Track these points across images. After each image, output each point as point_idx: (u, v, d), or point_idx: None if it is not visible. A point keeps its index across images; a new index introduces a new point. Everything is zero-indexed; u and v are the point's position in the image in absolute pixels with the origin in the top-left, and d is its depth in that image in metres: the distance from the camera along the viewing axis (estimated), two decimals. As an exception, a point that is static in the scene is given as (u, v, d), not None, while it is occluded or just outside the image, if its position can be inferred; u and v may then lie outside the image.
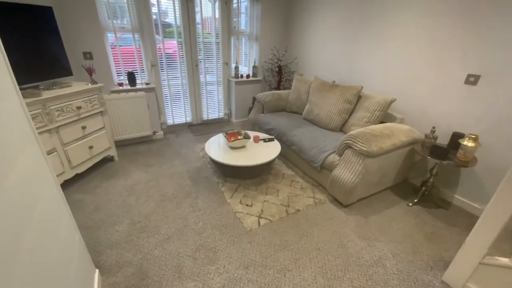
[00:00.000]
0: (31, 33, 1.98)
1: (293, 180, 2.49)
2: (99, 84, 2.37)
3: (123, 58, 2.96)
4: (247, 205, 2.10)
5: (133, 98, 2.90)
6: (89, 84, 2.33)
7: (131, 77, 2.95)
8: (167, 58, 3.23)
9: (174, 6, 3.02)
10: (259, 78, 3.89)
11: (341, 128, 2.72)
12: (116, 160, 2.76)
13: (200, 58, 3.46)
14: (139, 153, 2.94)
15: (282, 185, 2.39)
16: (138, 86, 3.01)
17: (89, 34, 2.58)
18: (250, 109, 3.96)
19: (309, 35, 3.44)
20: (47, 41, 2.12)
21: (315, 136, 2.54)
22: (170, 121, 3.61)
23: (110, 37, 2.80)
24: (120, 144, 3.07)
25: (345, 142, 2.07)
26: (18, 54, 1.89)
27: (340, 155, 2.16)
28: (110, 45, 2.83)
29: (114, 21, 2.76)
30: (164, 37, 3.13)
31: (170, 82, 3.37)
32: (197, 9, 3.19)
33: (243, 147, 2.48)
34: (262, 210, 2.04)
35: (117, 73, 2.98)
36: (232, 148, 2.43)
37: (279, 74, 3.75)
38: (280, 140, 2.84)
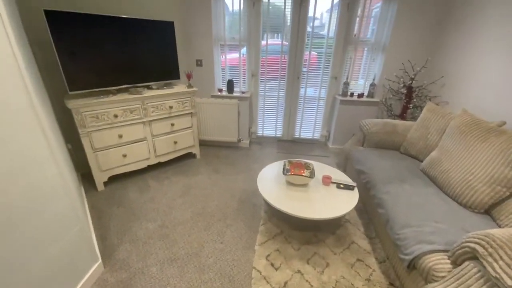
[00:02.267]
0: (153, 43, 2.43)
1: (361, 259, 1.64)
2: (193, 89, 2.61)
3: (229, 67, 3.14)
4: (272, 265, 1.57)
5: (225, 105, 3.02)
6: (186, 88, 2.61)
7: (230, 85, 3.07)
8: (268, 70, 3.11)
9: (284, 12, 2.82)
10: (375, 99, 2.96)
11: (488, 209, 1.48)
12: (197, 158, 2.99)
13: (304, 70, 3.08)
14: (217, 157, 3.04)
15: (339, 260, 1.62)
16: (234, 94, 3.10)
17: (202, 44, 2.91)
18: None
19: (469, 45, 2.16)
20: (164, 50, 2.55)
21: (422, 206, 1.53)
22: (260, 132, 3.51)
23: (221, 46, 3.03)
24: (207, 144, 3.32)
25: (471, 245, 1.05)
26: (139, 60, 2.38)
27: (455, 263, 1.13)
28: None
29: (226, 33, 2.95)
30: (268, 52, 3.02)
31: (266, 93, 3.25)
32: (310, 14, 2.82)
33: (304, 185, 1.91)
34: (286, 284, 1.44)
35: (222, 80, 3.21)
36: (290, 183, 1.93)
37: (407, 98, 2.67)
38: (367, 192, 1.98)
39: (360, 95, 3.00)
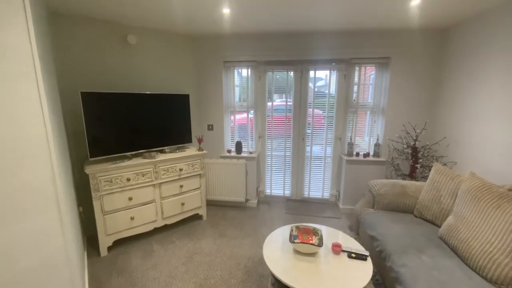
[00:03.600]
0: (170, 113, 2.72)
1: None
2: (203, 152, 2.76)
3: (238, 128, 3.37)
4: None
5: (234, 165, 3.12)
6: (197, 151, 2.77)
7: (238, 146, 3.24)
8: (274, 130, 3.31)
9: (287, 82, 3.15)
10: (382, 159, 2.98)
11: (522, 290, 1.31)
12: (204, 219, 2.94)
13: (308, 132, 3.24)
14: (224, 218, 2.98)
15: None
16: (243, 154, 3.24)
17: (213, 111, 3.21)
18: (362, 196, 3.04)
19: (468, 108, 2.27)
20: (180, 118, 2.82)
21: (446, 284, 1.37)
22: (268, 191, 3.49)
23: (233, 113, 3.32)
24: (215, 204, 3.30)
25: None
26: (156, 128, 2.62)
27: None
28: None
29: (235, 101, 3.27)
30: (274, 111, 3.27)
31: (273, 153, 3.36)
32: (310, 84, 3.13)
33: (313, 254, 1.79)
34: None
35: (231, 141, 3.40)
36: (298, 252, 1.82)
37: (413, 158, 2.68)
38: (381, 262, 1.83)
39: (366, 155, 3.04)
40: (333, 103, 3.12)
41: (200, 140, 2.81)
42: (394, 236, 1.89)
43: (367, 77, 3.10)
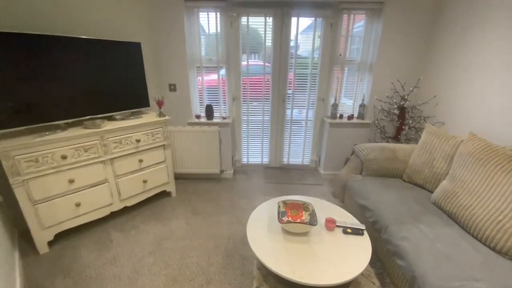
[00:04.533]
0: (116, 67, 2.06)
1: (385, 330, 1.29)
2: (165, 118, 2.24)
3: (207, 90, 2.83)
4: None
5: (205, 133, 2.67)
6: (157, 117, 2.23)
7: (209, 110, 2.75)
8: (250, 91, 2.85)
9: (265, 33, 2.62)
10: (367, 121, 2.78)
11: (532, 259, 1.23)
12: (173, 196, 2.55)
13: (289, 93, 2.85)
14: (197, 193, 2.62)
15: (359, 336, 1.25)
16: (214, 120, 2.77)
17: (175, 67, 2.59)
18: (346, 161, 2.89)
19: (465, 61, 2.06)
20: (131, 75, 2.18)
21: (452, 257, 1.24)
22: (245, 160, 3.16)
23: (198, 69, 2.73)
24: (185, 177, 2.90)
25: None
26: (99, 87, 1.99)
27: None
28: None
29: (202, 55, 2.67)
30: (250, 73, 2.77)
31: (250, 118, 2.95)
32: (293, 34, 2.64)
33: (305, 233, 1.56)
34: None
35: (200, 105, 2.87)
36: (287, 232, 1.57)
37: (400, 119, 2.50)
38: (377, 234, 1.69)
39: (350, 117, 2.81)
40: (318, 60, 2.72)
41: (160, 103, 2.25)
42: (388, 205, 1.73)
43: (352, 30, 2.70)
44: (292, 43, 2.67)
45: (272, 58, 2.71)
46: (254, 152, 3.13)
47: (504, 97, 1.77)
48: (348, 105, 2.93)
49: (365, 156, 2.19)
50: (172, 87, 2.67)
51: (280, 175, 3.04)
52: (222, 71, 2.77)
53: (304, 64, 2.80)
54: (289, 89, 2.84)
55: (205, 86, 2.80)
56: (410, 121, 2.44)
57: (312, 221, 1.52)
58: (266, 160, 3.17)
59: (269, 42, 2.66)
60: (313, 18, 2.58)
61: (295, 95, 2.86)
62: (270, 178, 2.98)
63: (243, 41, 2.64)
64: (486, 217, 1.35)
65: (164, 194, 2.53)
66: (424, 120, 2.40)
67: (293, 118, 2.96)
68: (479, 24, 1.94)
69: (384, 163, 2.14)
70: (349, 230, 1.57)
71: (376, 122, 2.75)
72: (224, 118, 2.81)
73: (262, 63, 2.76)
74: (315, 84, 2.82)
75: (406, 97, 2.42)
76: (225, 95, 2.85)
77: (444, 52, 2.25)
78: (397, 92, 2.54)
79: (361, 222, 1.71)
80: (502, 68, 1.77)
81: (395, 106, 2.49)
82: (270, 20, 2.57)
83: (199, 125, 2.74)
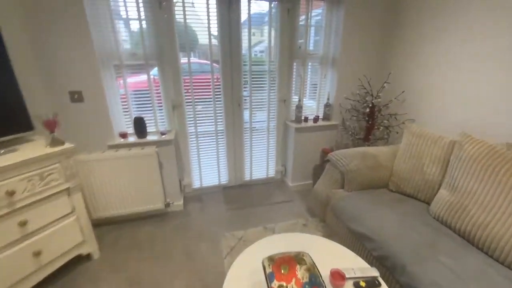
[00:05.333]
0: None
1: None
2: (62, 147, 1.41)
3: (134, 98, 2.04)
4: None
5: (137, 157, 1.90)
6: (48, 147, 1.38)
7: (139, 125, 1.98)
8: (196, 95, 2.19)
9: (208, 20, 2.00)
10: (333, 122, 2.48)
11: None
12: (95, 258, 1.71)
13: (245, 94, 2.31)
14: (135, 245, 1.85)
15: None
16: (149, 138, 2.02)
17: (78, 66, 1.73)
18: (315, 168, 2.55)
19: (438, 52, 1.90)
20: (-16, 80, 1.27)
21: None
22: (197, 183, 2.49)
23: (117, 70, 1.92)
24: (115, 221, 2.07)
25: None
26: None
27: None
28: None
29: (122, 48, 1.88)
30: (193, 72, 2.12)
31: (199, 129, 2.30)
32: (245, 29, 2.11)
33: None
34: None
35: (126, 118, 2.06)
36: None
37: (370, 118, 2.27)
38: (389, 274, 1.32)
39: (316, 119, 2.46)
40: (276, 54, 2.25)
41: (51, 124, 1.40)
42: (392, 231, 1.39)
43: (311, 18, 2.34)
44: (244, 33, 2.13)
45: (221, 52, 2.11)
46: (209, 172, 2.49)
47: (479, 89, 1.64)
48: (311, 106, 2.58)
49: (346, 166, 1.84)
50: (76, 96, 1.78)
51: (244, 196, 2.50)
52: (154, 70, 2.03)
53: (259, 60, 2.30)
54: (245, 90, 2.30)
55: (130, 91, 2.01)
56: (385, 120, 2.22)
57: (315, 280, 1.04)
58: (224, 179, 2.57)
59: (214, 31, 2.05)
60: (267, 2, 2.09)
61: (253, 97, 2.34)
62: (232, 202, 2.41)
63: (179, 29, 1.96)
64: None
65: (81, 259, 1.68)
66: (395, 118, 2.22)
67: (253, 126, 2.44)
68: (452, 10, 1.78)
69: (368, 172, 1.83)
70: (362, 284, 1.14)
71: (344, 123, 2.48)
72: (163, 133, 2.08)
73: (207, 62, 2.14)
74: (274, 83, 2.35)
75: (379, 93, 2.18)
76: (161, 103, 2.11)
77: (412, 42, 2.07)
78: (365, 88, 2.29)
79: (359, 253, 1.33)
80: (476, 58, 1.63)
81: (365, 105, 2.23)
82: (214, 4, 1.96)
83: (127, 147, 1.94)
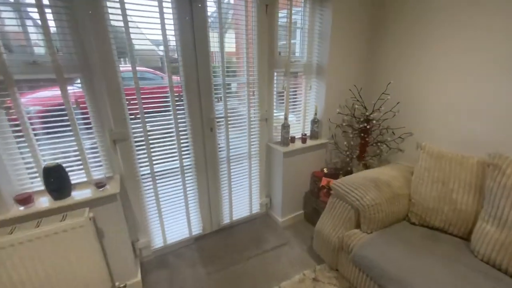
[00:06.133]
0: None
1: None
2: None
3: (40, 130, 1.25)
4: None
5: (56, 234, 1.13)
6: None
7: (55, 178, 1.20)
8: (148, 119, 1.52)
9: (161, 16, 1.37)
10: (323, 140, 2.12)
11: None
12: None
13: (219, 114, 1.74)
14: None
15: None
16: (76, 197, 1.26)
17: None
18: (306, 196, 2.15)
19: (435, 59, 1.70)
20: None
21: None
22: (159, 242, 1.78)
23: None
24: None
25: None
26: None
27: None
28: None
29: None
30: (142, 87, 1.45)
31: (156, 168, 1.61)
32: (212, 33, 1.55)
33: None
34: None
35: (28, 168, 1.24)
36: None
37: (365, 134, 1.97)
38: None
39: (304, 139, 2.05)
40: (254, 60, 1.76)
41: None
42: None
43: (295, 17, 1.93)
44: (214, 36, 1.57)
45: (182, 62, 1.50)
46: (174, 223, 1.81)
47: (478, 100, 1.48)
48: (294, 123, 2.16)
49: (361, 201, 1.46)
50: None
51: (225, 247, 1.90)
52: (77, 82, 1.29)
53: (233, 68, 1.77)
54: (218, 109, 1.73)
55: (35, 119, 1.22)
56: (388, 138, 1.95)
57: None
58: (196, 228, 1.91)
59: (170, 30, 1.43)
60: (241, -6, 1.59)
61: (229, 118, 1.79)
62: (212, 259, 1.79)
63: (115, 30, 1.28)
64: None
65: None
66: (393, 132, 1.98)
67: (232, 154, 1.88)
68: (447, 11, 1.59)
69: (387, 206, 1.49)
70: None
71: (334, 140, 2.14)
72: (100, 184, 1.34)
73: (163, 74, 1.50)
74: (255, 99, 1.85)
75: (380, 106, 1.89)
76: (91, 131, 1.37)
77: (408, 47, 1.85)
78: (358, 100, 1.99)
79: None
80: (474, 67, 1.47)
81: (361, 119, 1.93)
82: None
83: (33, 219, 1.15)
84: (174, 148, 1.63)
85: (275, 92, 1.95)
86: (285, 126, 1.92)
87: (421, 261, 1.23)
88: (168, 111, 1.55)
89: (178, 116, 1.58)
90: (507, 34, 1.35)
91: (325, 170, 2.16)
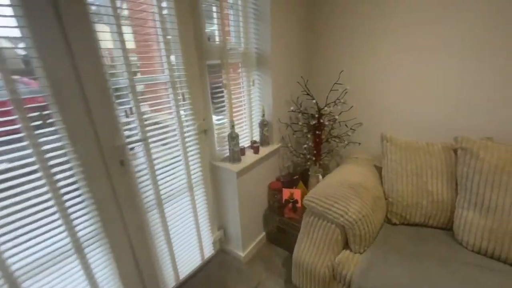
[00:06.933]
0: None
1: None
2: None
3: None
4: None
5: None
6: None
7: None
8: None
9: None
10: (275, 145, 1.76)
11: None
12: None
13: (132, 137, 1.08)
14: None
15: None
16: None
17: None
18: (266, 214, 1.77)
19: (379, 48, 1.60)
20: None
21: None
22: None
23: None
24: None
25: None
26: None
27: None
28: None
29: None
30: None
31: (23, 260, 0.83)
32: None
33: None
34: None
35: None
36: None
37: (318, 131, 1.74)
38: None
39: (255, 147, 1.63)
40: (177, 49, 1.18)
41: None
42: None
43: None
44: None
45: (38, 58, 0.77)
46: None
47: (431, 84, 1.49)
48: (240, 129, 1.71)
49: (345, 216, 1.19)
50: None
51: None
52: None
53: (145, 61, 1.14)
54: (129, 128, 1.07)
55: None
56: (341, 131, 1.75)
57: None
58: (124, 319, 1.20)
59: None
60: None
61: (150, 140, 1.14)
62: None
63: None
64: None
65: None
66: (346, 125, 1.82)
67: (164, 191, 1.25)
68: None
69: (375, 216, 1.28)
70: None
71: (288, 143, 1.83)
72: None
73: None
74: (185, 105, 1.28)
75: (338, 100, 1.65)
76: None
77: (355, 30, 1.68)
78: (310, 94, 1.71)
79: None
80: (427, 51, 1.45)
81: (315, 115, 1.67)
82: None
83: None
84: (51, 214, 0.88)
85: (209, 92, 1.42)
86: (233, 137, 1.44)
87: (423, 271, 1.06)
88: (22, 141, 0.79)
89: (48, 151, 0.84)
90: (461, 15, 1.33)
91: (281, 179, 1.83)
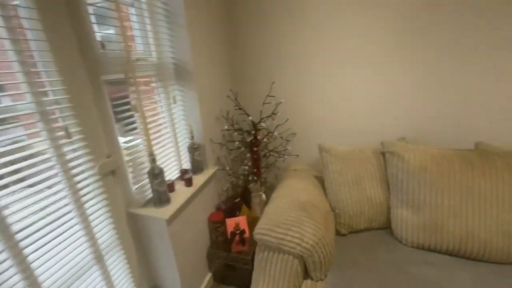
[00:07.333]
0: None
1: None
2: None
3: None
4: None
5: None
6: None
7: None
8: None
9: None
10: (211, 169, 1.50)
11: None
12: None
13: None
14: None
15: None
16: None
17: None
18: (209, 252, 1.51)
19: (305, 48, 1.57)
20: None
21: None
22: None
23: None
24: None
25: None
26: None
27: None
28: None
29: None
30: None
31: None
32: None
33: None
34: None
35: None
36: None
37: (255, 147, 1.59)
38: None
39: (187, 178, 1.33)
40: (47, 60, 0.76)
41: None
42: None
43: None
44: None
45: None
46: None
47: (360, 90, 1.58)
48: (163, 157, 1.36)
49: (301, 243, 1.08)
50: None
51: None
52: None
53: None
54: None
55: None
56: (279, 144, 1.63)
57: None
58: None
59: None
60: None
61: (15, 200, 0.69)
62: None
63: None
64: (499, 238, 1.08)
65: None
66: (281, 137, 1.73)
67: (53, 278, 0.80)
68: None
69: (329, 235, 1.21)
70: None
71: (227, 166, 1.59)
72: None
73: None
74: (75, 143, 0.86)
75: (274, 114, 1.50)
76: None
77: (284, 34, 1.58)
78: (241, 108, 1.52)
79: None
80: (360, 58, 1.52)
81: (252, 131, 1.50)
82: None
83: None
84: None
85: (112, 114, 1.04)
86: (156, 174, 1.10)
87: (384, 282, 1.05)
88: None
89: None
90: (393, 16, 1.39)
91: (222, 206, 1.60)
